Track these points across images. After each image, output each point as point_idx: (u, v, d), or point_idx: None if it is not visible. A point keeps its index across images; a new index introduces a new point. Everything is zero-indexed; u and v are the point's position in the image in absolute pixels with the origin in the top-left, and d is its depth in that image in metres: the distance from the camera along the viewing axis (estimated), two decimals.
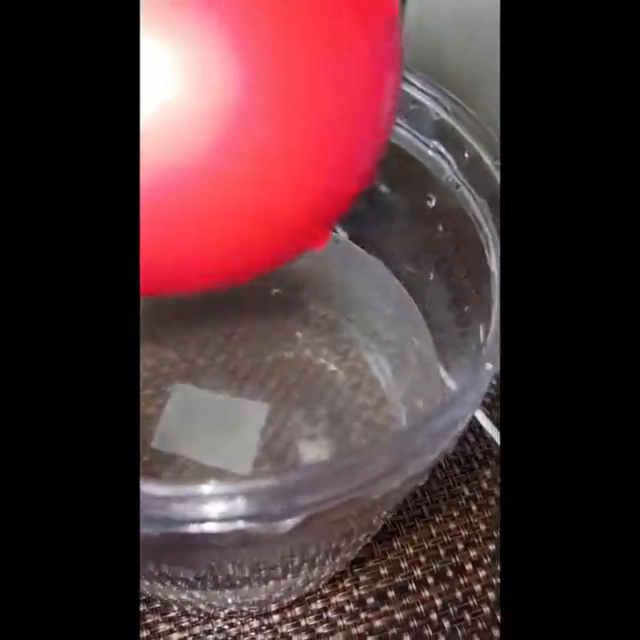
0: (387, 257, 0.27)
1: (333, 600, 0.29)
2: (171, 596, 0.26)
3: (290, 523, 0.12)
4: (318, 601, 0.29)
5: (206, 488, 0.12)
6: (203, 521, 0.12)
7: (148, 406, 0.31)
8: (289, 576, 0.24)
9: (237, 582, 0.24)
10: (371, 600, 0.29)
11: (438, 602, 0.29)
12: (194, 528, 0.12)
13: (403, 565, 0.30)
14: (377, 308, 0.33)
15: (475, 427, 0.34)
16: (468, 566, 0.30)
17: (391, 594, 0.29)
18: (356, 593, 0.29)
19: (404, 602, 0.29)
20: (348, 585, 0.29)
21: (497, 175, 0.16)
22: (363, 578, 0.29)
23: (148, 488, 0.11)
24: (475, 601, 0.29)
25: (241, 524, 0.11)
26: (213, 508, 0.12)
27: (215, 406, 0.31)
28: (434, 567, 0.30)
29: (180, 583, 0.23)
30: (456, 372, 0.22)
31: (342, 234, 0.29)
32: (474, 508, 0.31)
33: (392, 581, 0.29)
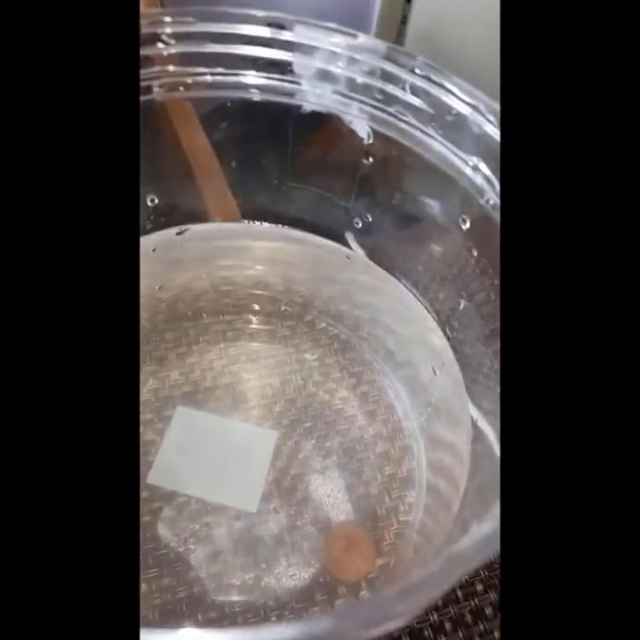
0: (410, 278, 0.24)
1: None
2: None
3: None
4: None
5: None
6: None
7: (146, 432, 0.28)
8: None
9: None
10: None
11: None
12: None
13: None
14: (391, 328, 0.31)
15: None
16: (488, 611, 0.28)
17: None
18: None
19: None
20: None
21: None
22: None
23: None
24: None
25: None
26: None
27: (220, 433, 0.28)
28: (451, 612, 0.28)
29: None
30: (488, 414, 0.20)
31: (358, 250, 0.27)
32: None
33: (406, 627, 0.27)
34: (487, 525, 0.11)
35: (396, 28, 0.35)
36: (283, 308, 0.32)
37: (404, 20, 0.35)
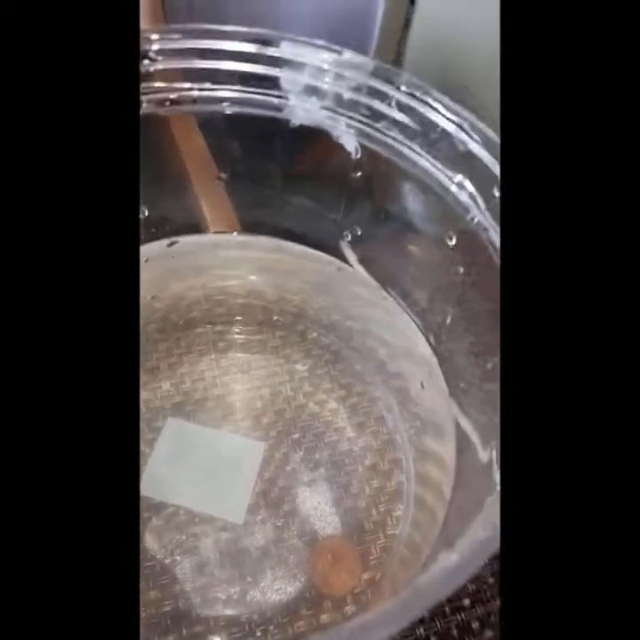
0: (400, 290, 0.24)
1: None
2: None
3: None
4: None
5: None
6: None
7: None
8: None
9: None
10: None
11: None
12: None
13: None
14: (383, 339, 0.31)
15: None
16: (475, 625, 0.28)
17: None
18: None
19: None
20: None
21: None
22: None
23: None
24: None
25: None
26: None
27: (209, 444, 0.28)
28: (437, 626, 0.27)
29: None
30: (476, 423, 0.20)
31: (351, 260, 0.27)
32: None
33: None
34: (451, 559, 0.11)
35: (397, 36, 0.35)
36: (275, 317, 0.32)
37: (407, 23, 0.34)
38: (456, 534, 0.19)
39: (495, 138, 0.16)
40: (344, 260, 0.26)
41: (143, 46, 0.17)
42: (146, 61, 0.17)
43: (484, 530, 0.13)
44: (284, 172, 0.23)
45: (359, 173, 0.21)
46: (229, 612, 0.24)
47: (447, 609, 0.27)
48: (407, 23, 0.35)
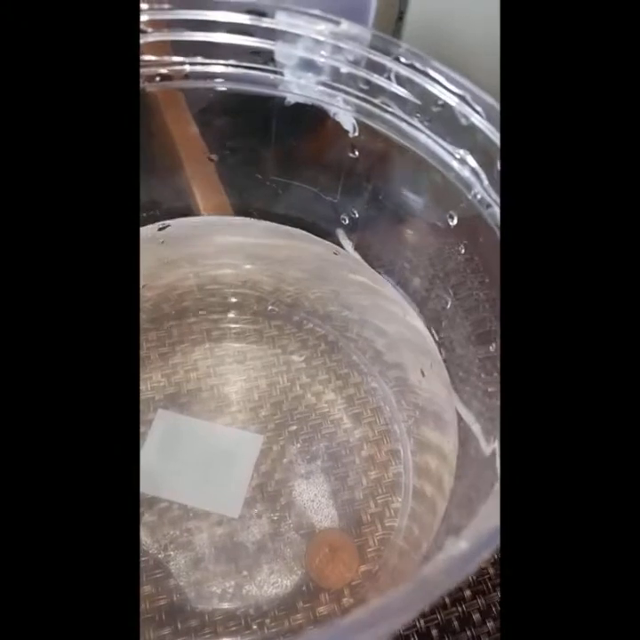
0: (398, 276, 0.24)
1: None
2: None
3: None
4: None
5: None
6: None
7: None
8: None
9: None
10: None
11: None
12: None
13: None
14: (380, 328, 0.30)
15: None
16: (476, 617, 0.27)
17: None
18: None
19: None
20: None
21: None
22: None
23: None
24: None
25: None
26: None
27: (203, 437, 0.28)
28: (438, 618, 0.27)
29: None
30: (478, 415, 0.19)
31: (347, 248, 0.26)
32: None
33: (391, 634, 0.26)
34: (459, 546, 0.11)
35: (392, 25, 0.34)
36: (270, 307, 0.31)
37: (400, 17, 0.34)
38: (458, 526, 0.19)
39: (499, 109, 0.15)
40: (341, 245, 0.26)
41: None
42: None
43: (490, 519, 0.12)
44: (278, 154, 0.23)
45: (356, 153, 0.20)
46: (225, 606, 0.23)
47: (448, 601, 0.27)
48: (400, 17, 0.34)
